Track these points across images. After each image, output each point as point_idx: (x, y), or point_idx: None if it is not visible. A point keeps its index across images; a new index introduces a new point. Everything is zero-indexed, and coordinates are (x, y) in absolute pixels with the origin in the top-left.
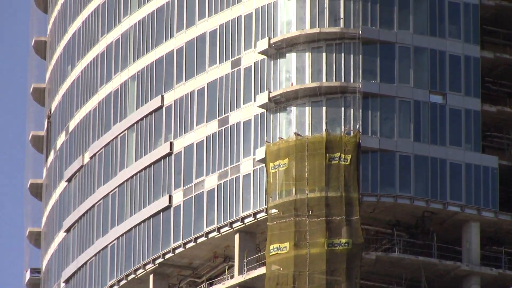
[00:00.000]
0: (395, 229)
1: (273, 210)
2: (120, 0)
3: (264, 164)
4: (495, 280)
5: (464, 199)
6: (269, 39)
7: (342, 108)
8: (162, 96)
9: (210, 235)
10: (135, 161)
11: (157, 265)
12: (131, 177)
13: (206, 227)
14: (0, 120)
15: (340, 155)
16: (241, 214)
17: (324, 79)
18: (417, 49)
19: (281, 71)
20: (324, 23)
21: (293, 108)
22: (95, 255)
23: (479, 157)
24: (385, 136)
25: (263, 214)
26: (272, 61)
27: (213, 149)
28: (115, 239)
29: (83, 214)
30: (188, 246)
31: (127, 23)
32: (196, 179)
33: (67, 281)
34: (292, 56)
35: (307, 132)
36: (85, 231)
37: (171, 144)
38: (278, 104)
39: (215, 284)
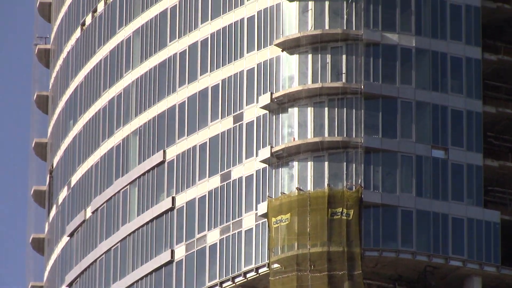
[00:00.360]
0: (397, 284)
1: (275, 265)
2: (122, 55)
3: (266, 219)
4: None
5: (466, 253)
6: (271, 94)
7: (344, 163)
8: (164, 151)
9: None
10: (137, 216)
11: None
12: (133, 231)
13: (208, 282)
14: (2, 175)
15: (342, 210)
16: (243, 269)
17: (326, 134)
18: (419, 104)
19: (283, 126)
20: (326, 78)
21: (295, 163)
22: None
23: (481, 212)
24: (387, 191)
25: (265, 268)
26: (274, 116)
27: (215, 204)
28: None
29: (85, 269)
30: None
31: (129, 78)
32: (198, 233)
33: None
34: (294, 111)
35: (309, 187)
36: (88, 286)
37: (173, 199)
38: (280, 159)
39: None
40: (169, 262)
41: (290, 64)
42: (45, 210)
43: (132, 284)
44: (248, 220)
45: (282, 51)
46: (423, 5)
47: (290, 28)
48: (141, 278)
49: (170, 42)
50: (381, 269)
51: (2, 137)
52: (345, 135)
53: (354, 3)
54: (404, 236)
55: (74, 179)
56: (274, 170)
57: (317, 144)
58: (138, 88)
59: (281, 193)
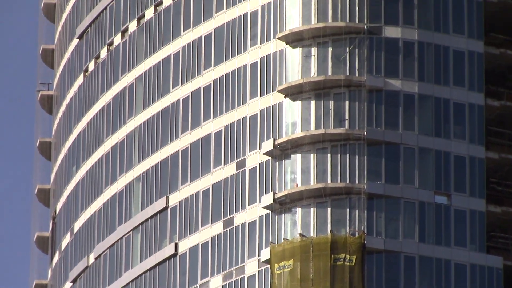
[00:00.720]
0: None
1: None
2: (125, 101)
3: (269, 265)
4: None
5: None
6: (274, 140)
7: (347, 209)
8: (167, 197)
9: None
10: (140, 262)
11: None
12: (136, 278)
13: None
14: (6, 222)
15: (345, 256)
16: None
17: (329, 180)
18: (422, 150)
19: (286, 172)
20: (329, 124)
21: (298, 209)
22: None
23: (484, 258)
24: (390, 237)
25: None
26: (277, 162)
27: (218, 250)
28: None
29: None
30: None
31: (132, 124)
32: (201, 280)
33: None
34: (297, 157)
35: (312, 233)
36: None
37: (176, 245)
38: (283, 205)
39: None
40: None
41: (293, 110)
42: (48, 256)
43: None
44: (251, 266)
45: (285, 97)
46: (426, 51)
47: (293, 74)
48: None
49: (173, 88)
50: None
51: (6, 184)
52: (348, 181)
53: (357, 49)
54: (407, 282)
55: (77, 225)
56: (277, 216)
57: (320, 190)
58: (141, 134)
59: (284, 239)
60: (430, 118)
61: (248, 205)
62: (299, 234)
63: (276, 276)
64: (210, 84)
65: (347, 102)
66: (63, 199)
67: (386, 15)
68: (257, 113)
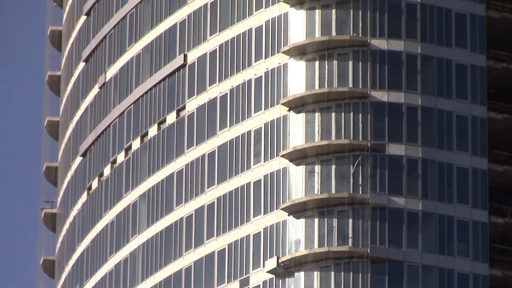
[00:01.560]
0: None
1: None
2: (128, 219)
3: None
4: None
5: None
6: (278, 258)
7: None
8: None
9: None
10: None
11: None
12: None
13: None
14: None
15: None
16: None
17: None
18: (426, 267)
19: None
20: (333, 242)
21: None
22: None
23: None
24: None
25: None
26: (280, 280)
27: None
28: None
29: None
30: None
31: (136, 242)
32: None
33: None
34: (300, 276)
35: None
36: None
37: None
38: None
39: None
40: None
41: (296, 228)
42: None
43: None
44: None
45: (289, 215)
46: (429, 168)
47: (297, 192)
48: None
49: (176, 206)
50: None
51: None
52: None
53: (360, 167)
54: None
55: None
56: None
57: None
58: (145, 253)
59: None
60: (434, 236)
61: None
62: None
63: None
64: (214, 202)
65: (350, 220)
66: None
67: (389, 132)
68: (260, 231)
